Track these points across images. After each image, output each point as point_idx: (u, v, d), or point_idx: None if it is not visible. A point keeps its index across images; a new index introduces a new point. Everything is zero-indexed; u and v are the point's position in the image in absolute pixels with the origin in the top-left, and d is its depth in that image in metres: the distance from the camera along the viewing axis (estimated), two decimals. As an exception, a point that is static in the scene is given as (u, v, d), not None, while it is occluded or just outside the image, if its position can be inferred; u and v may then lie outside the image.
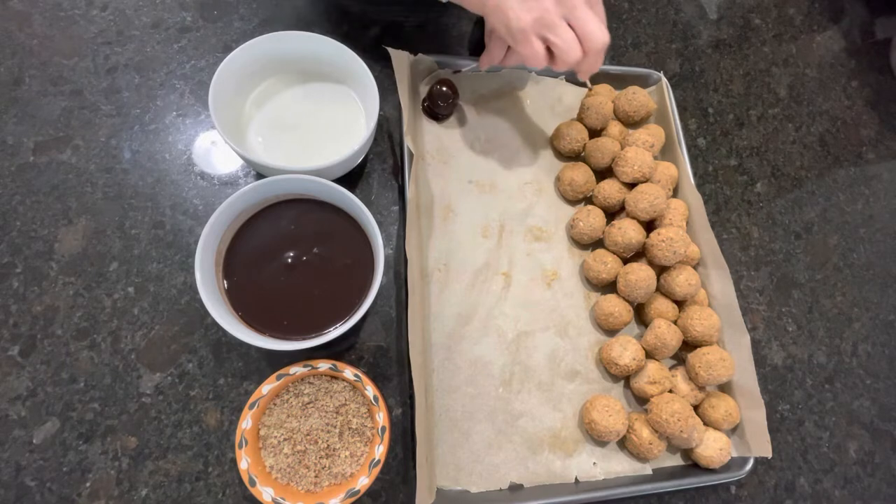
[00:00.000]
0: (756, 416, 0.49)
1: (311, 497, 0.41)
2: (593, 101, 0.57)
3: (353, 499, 0.40)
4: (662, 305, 0.52)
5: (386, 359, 0.49)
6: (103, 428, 0.43)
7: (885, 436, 0.58)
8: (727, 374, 0.48)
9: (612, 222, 0.54)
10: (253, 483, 0.40)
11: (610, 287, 0.54)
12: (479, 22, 0.63)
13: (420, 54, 0.56)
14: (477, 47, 0.62)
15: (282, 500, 0.40)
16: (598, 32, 0.43)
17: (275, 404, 0.43)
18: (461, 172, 0.56)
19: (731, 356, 0.50)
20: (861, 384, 0.60)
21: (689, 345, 0.52)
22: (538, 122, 0.60)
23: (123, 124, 0.52)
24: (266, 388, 0.42)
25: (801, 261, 0.64)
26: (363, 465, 0.42)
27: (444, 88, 0.54)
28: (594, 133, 0.59)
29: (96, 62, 0.53)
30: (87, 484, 0.42)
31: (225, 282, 0.43)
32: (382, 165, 0.55)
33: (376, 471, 0.41)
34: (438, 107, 0.55)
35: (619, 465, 0.49)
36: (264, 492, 0.40)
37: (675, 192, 0.58)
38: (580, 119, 0.59)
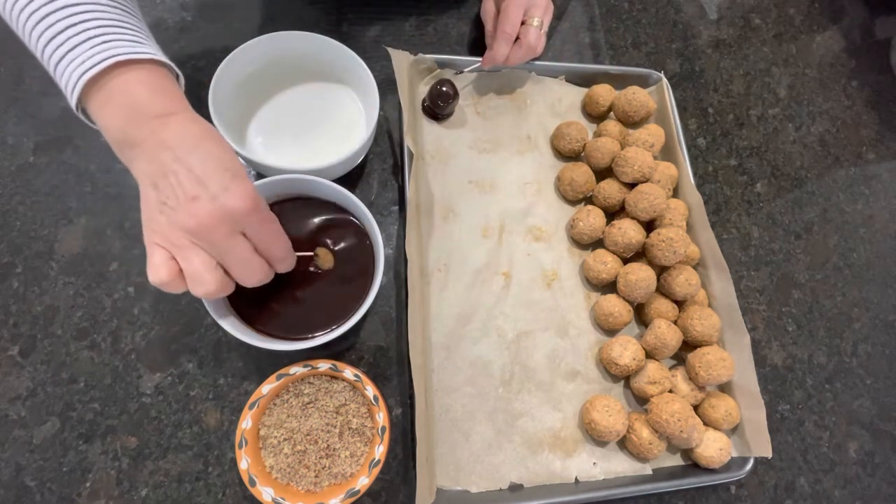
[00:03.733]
0: (756, 416, 0.49)
1: (311, 497, 0.41)
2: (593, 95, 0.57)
3: (353, 499, 0.40)
4: (662, 305, 0.52)
5: (386, 359, 0.49)
6: (103, 428, 0.43)
7: (885, 436, 0.58)
8: (727, 374, 0.48)
9: (612, 222, 0.54)
10: (253, 483, 0.40)
11: (610, 287, 0.54)
12: (478, 22, 0.63)
13: (420, 54, 0.56)
14: (476, 47, 0.62)
15: (282, 500, 0.40)
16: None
17: (275, 404, 0.43)
18: (461, 172, 0.56)
19: (731, 356, 0.50)
20: (861, 384, 0.60)
21: (689, 345, 0.52)
22: (538, 122, 0.60)
23: (123, 124, 0.52)
24: (266, 388, 0.42)
25: (801, 261, 0.64)
26: (363, 465, 0.42)
27: (444, 88, 0.54)
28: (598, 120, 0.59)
29: (96, 62, 0.53)
30: (87, 484, 0.42)
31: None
32: (382, 165, 0.55)
33: (376, 471, 0.41)
34: (438, 107, 0.55)
35: (619, 465, 0.49)
36: (264, 492, 0.40)
37: (675, 192, 0.58)
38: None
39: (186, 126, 0.34)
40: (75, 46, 0.34)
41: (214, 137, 0.34)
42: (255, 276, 0.34)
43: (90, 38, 0.34)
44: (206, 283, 0.32)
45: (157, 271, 0.32)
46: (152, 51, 0.36)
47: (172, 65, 0.37)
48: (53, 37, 0.35)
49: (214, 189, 0.31)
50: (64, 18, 0.34)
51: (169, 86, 0.36)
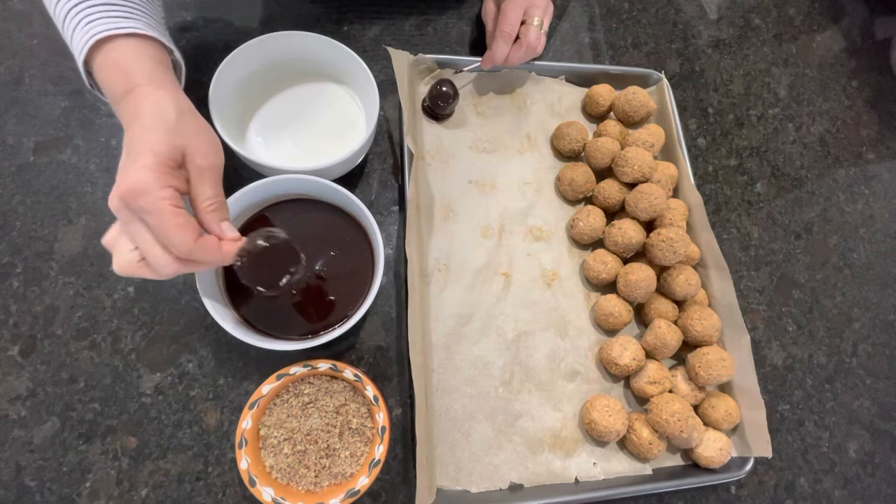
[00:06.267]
0: (756, 416, 0.49)
1: (311, 497, 0.41)
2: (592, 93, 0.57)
3: (353, 499, 0.40)
4: (662, 305, 0.52)
5: (386, 359, 0.49)
6: (103, 428, 0.43)
7: (885, 436, 0.58)
8: (727, 374, 0.48)
9: (612, 222, 0.54)
10: (253, 483, 0.40)
11: (610, 287, 0.54)
12: (478, 22, 0.63)
13: (420, 54, 0.56)
14: (476, 47, 0.62)
15: (282, 500, 0.40)
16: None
17: (275, 404, 0.43)
18: (461, 172, 0.56)
19: (731, 356, 0.50)
20: (861, 384, 0.60)
21: (689, 345, 0.52)
22: (538, 122, 0.60)
23: (123, 124, 0.52)
24: (266, 388, 0.42)
25: (801, 261, 0.64)
26: (363, 465, 0.42)
27: (444, 88, 0.54)
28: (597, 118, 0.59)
29: (96, 62, 0.53)
30: (87, 484, 0.42)
31: (225, 282, 0.43)
32: (382, 165, 0.55)
33: (376, 471, 0.41)
34: (438, 107, 0.55)
35: (619, 465, 0.49)
36: (264, 492, 0.40)
37: (675, 192, 0.58)
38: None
39: (134, 106, 0.34)
40: (71, 34, 0.36)
41: (146, 116, 0.33)
42: (157, 264, 0.32)
43: (79, 23, 0.35)
44: (118, 261, 0.33)
45: (105, 235, 0.34)
46: (130, 24, 0.36)
47: (147, 32, 0.36)
48: (62, 28, 0.37)
49: (119, 173, 0.32)
50: (65, 4, 0.36)
51: (131, 58, 0.36)
